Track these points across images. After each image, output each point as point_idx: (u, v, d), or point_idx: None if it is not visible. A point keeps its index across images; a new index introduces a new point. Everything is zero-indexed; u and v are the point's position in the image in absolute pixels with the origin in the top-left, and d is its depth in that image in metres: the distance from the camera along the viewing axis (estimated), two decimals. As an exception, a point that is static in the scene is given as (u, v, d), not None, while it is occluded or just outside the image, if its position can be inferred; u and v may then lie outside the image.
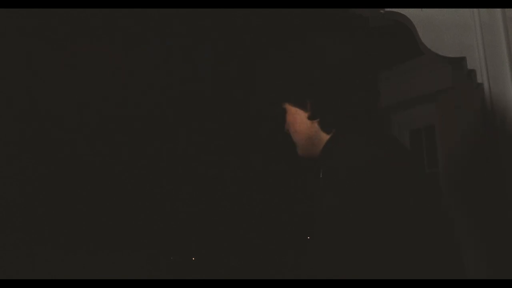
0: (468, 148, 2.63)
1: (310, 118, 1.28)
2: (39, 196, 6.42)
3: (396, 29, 1.73)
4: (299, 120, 1.30)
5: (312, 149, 1.30)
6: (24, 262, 5.90)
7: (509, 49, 1.48)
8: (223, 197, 6.67)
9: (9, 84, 5.68)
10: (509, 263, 1.42)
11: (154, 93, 6.39)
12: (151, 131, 6.71)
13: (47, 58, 5.45)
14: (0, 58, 5.22)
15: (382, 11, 1.56)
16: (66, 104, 6.26)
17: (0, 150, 6.03)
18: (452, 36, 1.51)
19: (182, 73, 5.69)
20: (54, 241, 6.24)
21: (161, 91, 6.27)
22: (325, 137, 1.28)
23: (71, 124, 6.34)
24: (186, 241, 6.88)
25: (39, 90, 5.87)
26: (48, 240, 6.23)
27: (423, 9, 1.51)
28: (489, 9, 1.52)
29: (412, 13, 1.51)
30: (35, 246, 6.13)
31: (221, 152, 6.45)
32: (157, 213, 6.91)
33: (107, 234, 6.52)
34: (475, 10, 1.53)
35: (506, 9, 1.50)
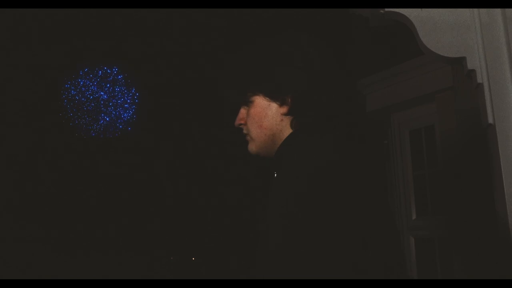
0: (467, 148, 2.64)
1: (287, 114, 1.20)
2: (39, 197, 6.42)
3: (396, 29, 1.74)
4: (270, 114, 1.21)
5: (271, 147, 1.22)
6: (24, 262, 5.90)
7: (509, 49, 1.48)
8: (223, 197, 6.67)
9: (9, 84, 5.68)
10: (506, 262, 1.42)
11: (150, 93, 6.38)
12: (151, 133, 6.71)
13: (48, 59, 5.44)
14: (0, 58, 5.21)
15: (382, 11, 1.56)
16: (66, 104, 6.26)
17: (0, 150, 6.03)
18: (452, 36, 1.50)
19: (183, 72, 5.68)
20: (54, 241, 6.24)
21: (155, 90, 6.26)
22: (286, 135, 1.20)
23: (72, 125, 6.33)
24: (186, 241, 6.88)
25: (39, 90, 5.86)
26: (49, 240, 6.23)
27: (423, 9, 1.51)
28: (489, 9, 1.52)
29: (412, 13, 1.51)
30: (35, 246, 6.12)
31: (220, 151, 6.44)
32: (157, 213, 6.91)
33: (108, 235, 6.52)
34: (475, 10, 1.53)
35: (506, 9, 1.50)
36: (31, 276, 5.42)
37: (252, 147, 1.25)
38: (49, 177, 6.50)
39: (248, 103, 1.24)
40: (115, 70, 6.03)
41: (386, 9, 1.55)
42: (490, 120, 1.45)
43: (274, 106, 1.21)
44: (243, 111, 1.27)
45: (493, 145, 1.45)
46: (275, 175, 1.19)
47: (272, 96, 1.20)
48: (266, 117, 1.21)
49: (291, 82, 1.18)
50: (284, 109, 1.20)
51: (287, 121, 1.20)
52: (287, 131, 1.20)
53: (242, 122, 1.26)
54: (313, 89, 1.20)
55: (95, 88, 6.09)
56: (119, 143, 6.58)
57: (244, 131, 1.27)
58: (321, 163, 1.03)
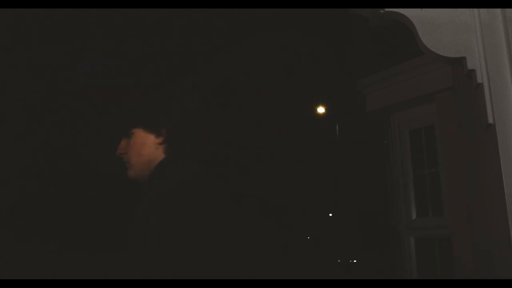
0: (467, 148, 2.63)
1: (162, 143, 1.47)
2: (39, 197, 6.42)
3: (396, 29, 1.74)
4: (148, 144, 1.48)
5: (147, 171, 1.48)
6: (24, 262, 5.90)
7: (509, 49, 1.48)
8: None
9: (9, 84, 5.68)
10: (506, 262, 1.42)
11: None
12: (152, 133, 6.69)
13: (48, 59, 5.44)
14: (1, 58, 5.21)
15: (382, 11, 1.56)
16: (66, 103, 6.26)
17: (0, 150, 6.03)
18: (452, 36, 1.50)
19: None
20: (54, 241, 6.24)
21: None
22: (159, 160, 1.48)
23: (72, 124, 6.33)
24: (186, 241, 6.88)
25: (39, 90, 5.86)
26: (49, 240, 6.23)
27: (423, 9, 1.52)
28: (489, 9, 1.52)
29: (412, 13, 1.51)
30: (35, 246, 6.13)
31: (219, 152, 6.44)
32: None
33: (108, 235, 6.52)
34: (475, 10, 1.53)
35: (506, 9, 1.50)
36: (31, 276, 5.42)
37: (131, 173, 1.50)
38: (49, 177, 6.50)
39: (129, 135, 1.50)
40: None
41: (386, 9, 1.55)
42: (490, 120, 1.45)
43: (151, 136, 1.48)
44: (123, 142, 1.52)
45: (493, 145, 1.45)
46: (148, 192, 1.44)
47: (150, 129, 1.48)
48: (144, 146, 1.48)
49: (165, 117, 1.49)
50: (159, 140, 1.48)
51: (161, 148, 1.48)
52: (162, 156, 1.48)
53: (123, 151, 1.51)
54: (185, 123, 1.49)
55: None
56: (119, 143, 6.57)
57: (125, 159, 1.51)
58: (190, 185, 1.34)
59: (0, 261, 5.67)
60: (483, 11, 1.52)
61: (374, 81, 3.69)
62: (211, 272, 1.29)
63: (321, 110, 13.06)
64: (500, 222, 1.44)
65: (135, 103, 1.52)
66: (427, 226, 3.45)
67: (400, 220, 3.59)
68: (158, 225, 1.32)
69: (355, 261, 13.20)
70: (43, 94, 6.01)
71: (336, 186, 14.26)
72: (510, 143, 1.42)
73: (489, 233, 1.85)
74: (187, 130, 1.51)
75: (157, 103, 1.50)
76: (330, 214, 15.32)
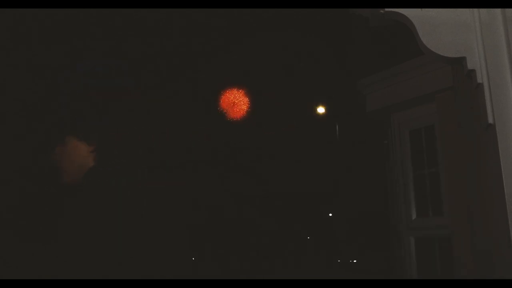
0: (467, 148, 2.63)
1: (93, 151, 1.57)
2: (39, 197, 6.42)
3: (396, 29, 1.74)
4: (78, 151, 1.62)
5: (78, 175, 1.60)
6: (24, 262, 5.90)
7: (509, 49, 1.48)
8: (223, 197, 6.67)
9: (9, 84, 5.68)
10: (508, 262, 1.42)
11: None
12: (152, 133, 6.70)
13: (48, 59, 5.44)
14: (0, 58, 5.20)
15: (382, 11, 1.56)
16: (66, 103, 6.25)
17: (0, 150, 6.03)
18: (452, 36, 1.50)
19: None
20: (54, 241, 6.24)
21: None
22: (90, 165, 1.58)
23: (72, 124, 6.32)
24: (186, 241, 6.88)
25: (39, 90, 5.86)
26: (49, 240, 6.23)
27: (423, 9, 1.52)
28: (489, 9, 1.52)
29: (412, 13, 1.52)
30: (35, 246, 6.12)
31: (217, 153, 6.44)
32: (157, 214, 6.91)
33: (108, 235, 6.52)
34: (475, 10, 1.53)
35: (506, 9, 1.50)
36: (31, 276, 5.42)
37: (64, 178, 1.64)
38: (49, 177, 6.50)
39: (63, 142, 1.60)
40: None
41: (386, 9, 1.55)
42: (490, 120, 1.45)
43: (83, 145, 1.60)
44: (58, 149, 1.64)
45: (493, 145, 1.45)
46: (80, 196, 1.58)
47: (82, 137, 1.57)
48: (76, 153, 1.61)
49: (99, 126, 1.56)
50: (91, 148, 1.57)
51: (93, 155, 1.60)
52: (91, 164, 1.59)
53: (57, 158, 1.62)
54: (115, 135, 1.59)
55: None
56: (120, 143, 6.58)
57: (58, 165, 1.64)
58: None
59: (0, 261, 5.67)
60: (483, 11, 1.52)
61: (374, 81, 3.69)
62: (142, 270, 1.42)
63: (321, 110, 13.05)
64: (500, 222, 1.44)
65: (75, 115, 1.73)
66: (427, 226, 3.45)
67: (400, 220, 3.59)
68: (89, 229, 1.49)
69: (355, 261, 13.20)
70: (43, 94, 6.01)
71: (336, 186, 14.27)
72: (510, 143, 1.42)
73: (489, 233, 1.85)
74: (120, 138, 1.70)
75: (92, 112, 1.71)
76: (330, 214, 15.32)
